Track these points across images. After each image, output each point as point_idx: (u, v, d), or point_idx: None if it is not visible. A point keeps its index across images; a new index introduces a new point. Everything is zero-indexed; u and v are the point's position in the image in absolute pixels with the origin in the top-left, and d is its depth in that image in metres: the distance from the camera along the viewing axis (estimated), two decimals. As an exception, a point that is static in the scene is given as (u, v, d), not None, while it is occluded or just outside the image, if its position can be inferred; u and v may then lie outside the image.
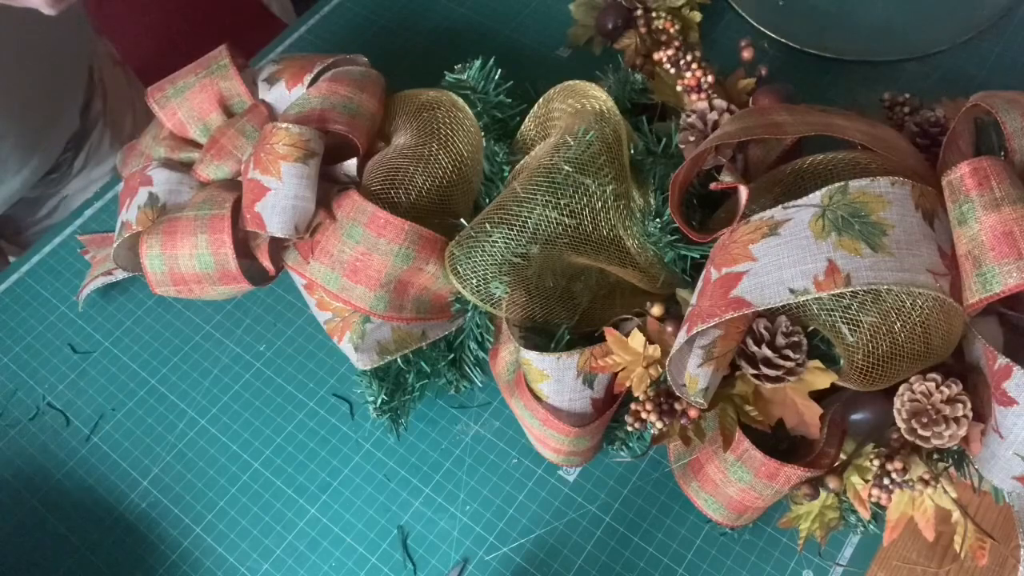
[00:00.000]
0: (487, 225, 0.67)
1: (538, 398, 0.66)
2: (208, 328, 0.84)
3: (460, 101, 0.75)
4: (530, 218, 0.66)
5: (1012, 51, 0.92)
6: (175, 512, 0.75)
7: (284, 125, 0.69)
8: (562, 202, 0.67)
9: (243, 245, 0.71)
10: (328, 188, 0.71)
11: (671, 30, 0.86)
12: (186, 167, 0.75)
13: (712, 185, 0.65)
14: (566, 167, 0.67)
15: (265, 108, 0.75)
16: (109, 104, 1.08)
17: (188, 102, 0.76)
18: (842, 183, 0.57)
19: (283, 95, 0.76)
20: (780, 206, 0.58)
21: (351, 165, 0.72)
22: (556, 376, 0.65)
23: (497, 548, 0.72)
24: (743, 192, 0.62)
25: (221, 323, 0.84)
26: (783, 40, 0.93)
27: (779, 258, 0.55)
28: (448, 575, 0.71)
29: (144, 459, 0.77)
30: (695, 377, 0.60)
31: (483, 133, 0.76)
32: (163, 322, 0.84)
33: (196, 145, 0.77)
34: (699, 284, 0.61)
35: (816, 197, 0.57)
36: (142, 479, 0.76)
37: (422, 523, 0.73)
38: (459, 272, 0.68)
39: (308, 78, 0.76)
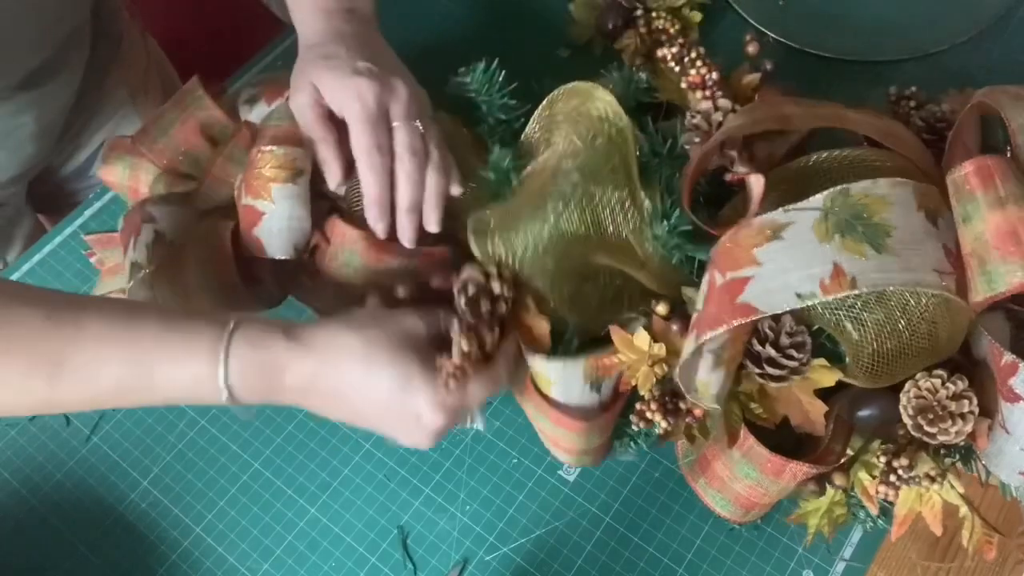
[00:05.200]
0: (510, 235, 0.67)
1: (547, 398, 0.66)
2: (208, 328, 0.83)
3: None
4: (543, 228, 0.66)
5: (1012, 51, 0.92)
6: (175, 512, 0.75)
7: (269, 148, 0.70)
8: (575, 213, 0.66)
9: (248, 269, 0.72)
10: (318, 204, 0.71)
11: (671, 30, 0.86)
12: (185, 198, 0.75)
13: (728, 176, 0.65)
14: (575, 175, 0.67)
15: (248, 130, 0.75)
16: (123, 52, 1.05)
17: (173, 140, 0.77)
18: (843, 186, 0.56)
19: (264, 113, 0.76)
20: (781, 209, 0.58)
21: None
22: (562, 382, 0.64)
23: (497, 548, 0.71)
24: (759, 183, 0.62)
25: (221, 323, 0.83)
26: (783, 40, 0.93)
27: (784, 262, 0.55)
28: (448, 575, 0.70)
29: (144, 459, 0.77)
30: (707, 382, 0.59)
31: (488, 136, 0.76)
32: (162, 322, 0.84)
33: (192, 178, 0.77)
34: (703, 288, 0.60)
35: (818, 200, 0.57)
36: (142, 479, 0.76)
37: (422, 523, 0.73)
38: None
39: (288, 94, 0.76)
